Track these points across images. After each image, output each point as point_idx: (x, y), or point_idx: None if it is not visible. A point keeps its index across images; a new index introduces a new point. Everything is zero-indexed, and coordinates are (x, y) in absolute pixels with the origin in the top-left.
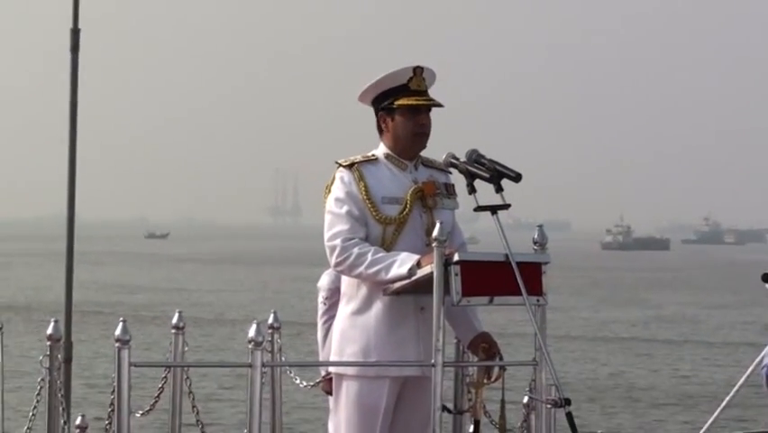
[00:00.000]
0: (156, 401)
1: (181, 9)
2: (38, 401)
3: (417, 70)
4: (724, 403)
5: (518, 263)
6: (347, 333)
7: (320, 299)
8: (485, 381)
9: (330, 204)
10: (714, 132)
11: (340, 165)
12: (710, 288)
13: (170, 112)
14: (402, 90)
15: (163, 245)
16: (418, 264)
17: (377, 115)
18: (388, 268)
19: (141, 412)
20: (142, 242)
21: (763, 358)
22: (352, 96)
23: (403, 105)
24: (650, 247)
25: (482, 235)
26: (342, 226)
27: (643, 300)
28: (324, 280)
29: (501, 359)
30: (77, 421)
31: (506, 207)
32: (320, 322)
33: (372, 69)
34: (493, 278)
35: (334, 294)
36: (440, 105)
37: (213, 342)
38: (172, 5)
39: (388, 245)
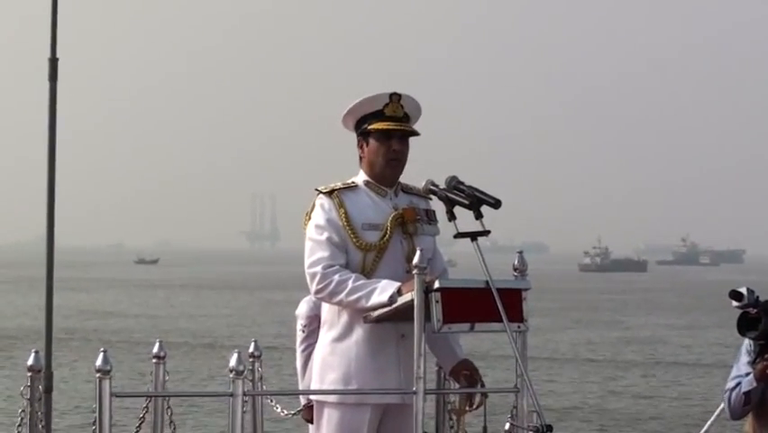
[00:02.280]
0: (138, 431)
1: (159, 35)
2: None
3: (394, 97)
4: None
5: (499, 290)
6: (328, 360)
7: (299, 327)
8: (467, 408)
9: (310, 231)
10: (692, 152)
11: (320, 192)
12: (687, 309)
13: (147, 137)
14: (378, 115)
15: (139, 271)
16: (399, 292)
17: (357, 140)
18: (368, 295)
19: None
20: (131, 267)
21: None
22: (329, 119)
23: (375, 129)
24: (628, 269)
25: (460, 258)
26: (323, 253)
27: (618, 322)
28: (303, 308)
29: (483, 386)
30: None
31: (485, 233)
32: (299, 350)
33: (352, 93)
34: (474, 305)
35: (313, 322)
36: (414, 134)
37: (193, 369)
38: (150, 32)
39: (368, 272)
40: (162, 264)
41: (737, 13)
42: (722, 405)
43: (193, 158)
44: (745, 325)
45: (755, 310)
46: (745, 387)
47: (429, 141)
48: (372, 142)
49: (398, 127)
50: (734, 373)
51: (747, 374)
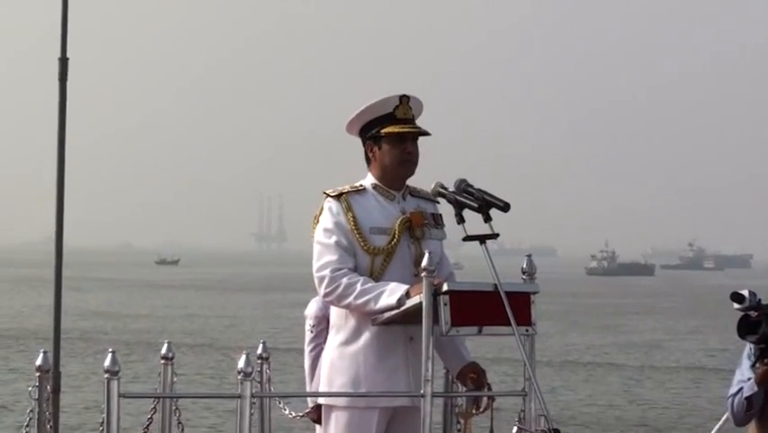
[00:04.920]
0: (146, 432)
1: (172, 38)
2: None
3: (404, 99)
4: None
5: (507, 293)
6: (336, 364)
7: (307, 327)
8: (474, 411)
9: (318, 234)
10: (699, 154)
11: (328, 195)
12: (689, 313)
13: (155, 139)
14: (388, 119)
15: (150, 272)
16: (407, 294)
17: (364, 144)
18: (377, 298)
19: None
20: (152, 268)
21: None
22: (335, 120)
23: (389, 132)
24: (634, 273)
25: (467, 261)
26: (331, 257)
27: (621, 326)
28: (312, 308)
29: (490, 389)
30: None
31: (494, 236)
32: (307, 350)
33: (358, 94)
34: (482, 308)
35: (321, 322)
36: (426, 134)
37: (201, 370)
38: (162, 35)
39: (376, 276)
40: (182, 265)
41: (741, 23)
42: (727, 413)
43: (202, 159)
44: (746, 328)
45: (756, 314)
46: (746, 392)
47: (436, 142)
48: (385, 145)
49: (413, 130)
50: (736, 378)
51: (749, 379)
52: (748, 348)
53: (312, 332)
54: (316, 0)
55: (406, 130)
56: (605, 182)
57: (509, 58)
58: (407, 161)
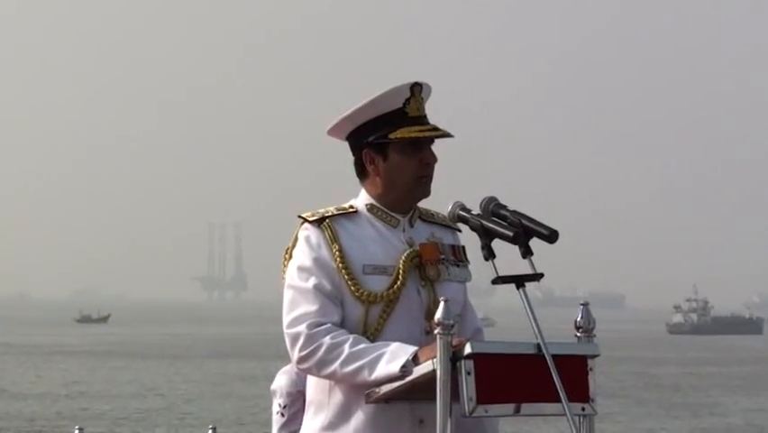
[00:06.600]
0: None
1: (92, 49)
2: None
3: (416, 89)
4: None
5: (555, 357)
6: None
7: (275, 409)
8: None
9: (291, 275)
10: None
11: (305, 220)
12: None
13: (59, 150)
14: (397, 118)
15: (61, 333)
16: (415, 359)
17: (357, 152)
18: (372, 365)
19: None
20: (71, 327)
21: None
22: (314, 124)
23: (403, 137)
24: (735, 330)
25: (499, 315)
26: (309, 307)
27: (713, 406)
28: (282, 381)
29: None
30: None
31: (537, 277)
32: None
33: (334, 96)
34: (520, 377)
35: (297, 400)
36: (449, 136)
37: None
38: (83, 45)
39: (372, 332)
40: (111, 322)
41: None
42: None
43: (127, 179)
44: None
45: None
46: None
47: (463, 154)
48: (395, 155)
49: (434, 133)
50: None
51: None
52: None
53: (283, 415)
54: (273, 26)
55: (425, 134)
56: (691, 208)
57: (575, 67)
58: (426, 176)
